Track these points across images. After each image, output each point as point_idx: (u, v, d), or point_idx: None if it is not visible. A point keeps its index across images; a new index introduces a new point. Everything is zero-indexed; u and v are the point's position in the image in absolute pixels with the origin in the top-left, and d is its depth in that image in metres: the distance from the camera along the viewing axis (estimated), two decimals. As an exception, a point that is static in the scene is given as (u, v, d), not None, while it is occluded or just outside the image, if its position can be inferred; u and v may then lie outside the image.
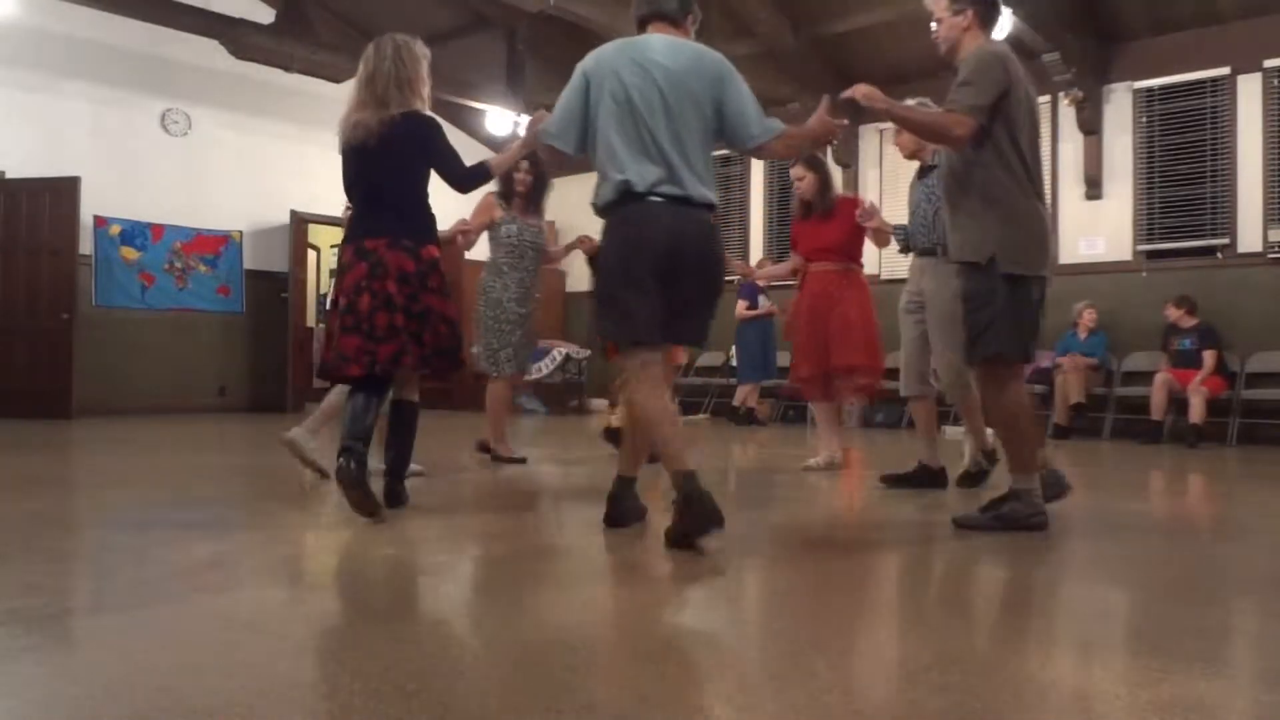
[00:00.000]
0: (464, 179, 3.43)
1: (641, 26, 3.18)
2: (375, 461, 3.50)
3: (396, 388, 3.48)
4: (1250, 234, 7.67)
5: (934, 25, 3.29)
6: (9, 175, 8.47)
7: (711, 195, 2.99)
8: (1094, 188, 8.40)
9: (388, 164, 3.41)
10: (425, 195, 3.47)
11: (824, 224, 4.91)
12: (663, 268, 2.88)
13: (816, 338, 4.83)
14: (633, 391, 2.99)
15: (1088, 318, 8.06)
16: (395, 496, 3.48)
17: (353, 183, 3.55)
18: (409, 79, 3.45)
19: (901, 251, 4.50)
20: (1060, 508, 3.53)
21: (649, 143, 2.89)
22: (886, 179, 9.61)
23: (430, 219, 3.48)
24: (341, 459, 3.13)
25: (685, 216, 2.91)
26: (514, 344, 5.02)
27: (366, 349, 3.25)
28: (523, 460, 5.10)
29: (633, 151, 2.89)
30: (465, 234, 4.81)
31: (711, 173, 3.00)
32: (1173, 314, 7.52)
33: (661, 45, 3.04)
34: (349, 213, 3.77)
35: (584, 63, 3.05)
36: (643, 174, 2.87)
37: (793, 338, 5.10)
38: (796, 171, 4.97)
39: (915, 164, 4.35)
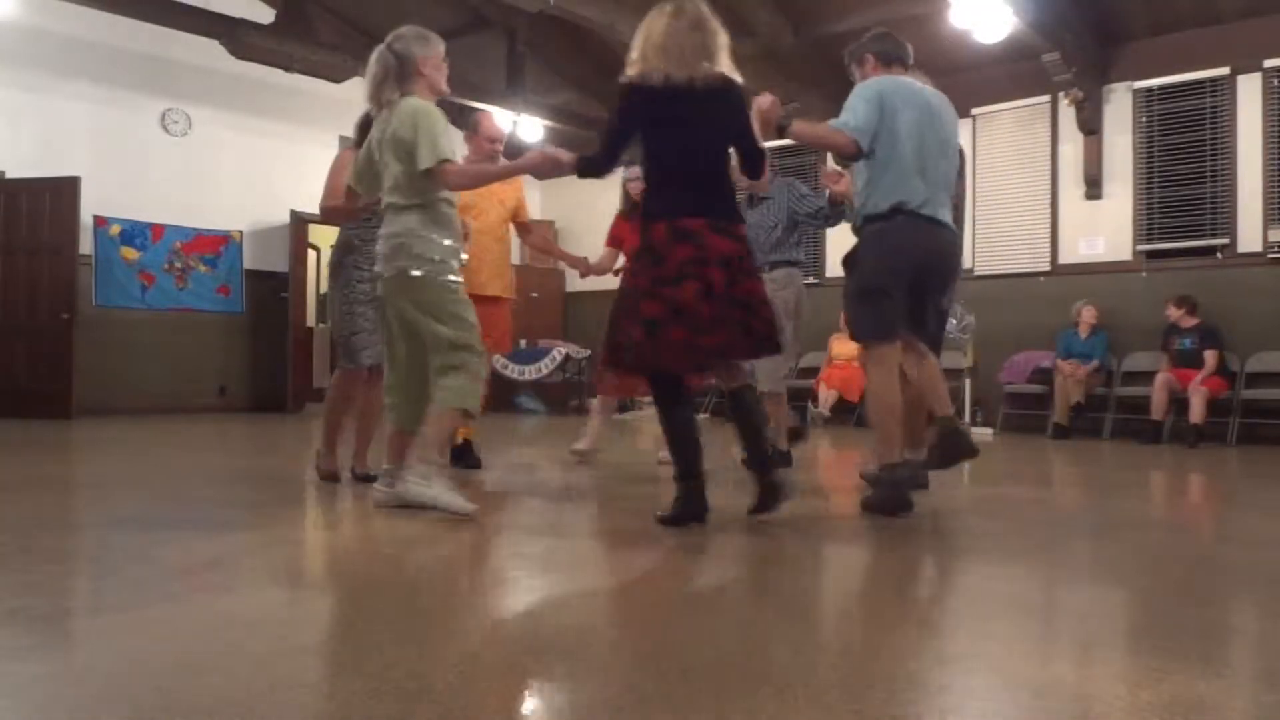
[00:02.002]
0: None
1: (890, 64, 3.70)
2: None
3: (726, 379, 3.27)
4: (1250, 234, 7.67)
5: None
6: (9, 175, 8.47)
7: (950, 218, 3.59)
8: (1094, 188, 8.40)
9: (706, 134, 3.17)
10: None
11: None
12: (915, 276, 3.44)
13: None
14: (872, 381, 3.50)
15: (1088, 315, 8.06)
16: (776, 492, 3.19)
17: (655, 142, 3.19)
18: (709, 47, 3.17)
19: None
20: (1060, 508, 3.53)
21: (922, 169, 3.45)
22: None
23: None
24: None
25: (938, 234, 3.50)
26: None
27: (693, 343, 3.04)
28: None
29: (912, 174, 3.44)
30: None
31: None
32: (1173, 314, 7.52)
33: (927, 89, 3.64)
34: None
35: (880, 86, 3.51)
36: (914, 194, 3.42)
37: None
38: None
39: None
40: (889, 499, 3.44)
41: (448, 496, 3.24)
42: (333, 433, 4.20)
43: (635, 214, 4.94)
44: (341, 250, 4.19)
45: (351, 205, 3.76)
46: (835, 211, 4.69)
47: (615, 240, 5.35)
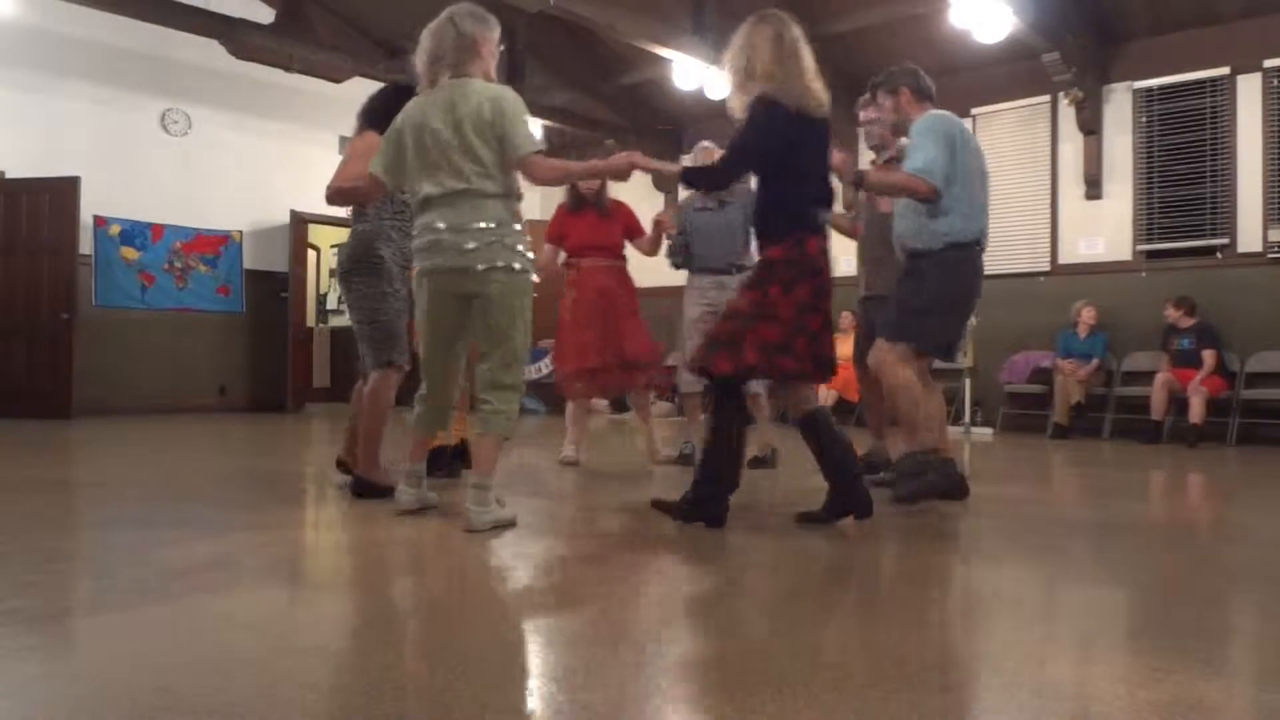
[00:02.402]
0: None
1: (923, 100, 3.85)
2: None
3: (803, 400, 3.31)
4: (1250, 234, 7.67)
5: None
6: (9, 175, 8.47)
7: None
8: (1094, 188, 8.39)
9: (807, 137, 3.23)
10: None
11: (603, 221, 5.18)
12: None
13: (606, 332, 5.02)
14: (900, 377, 3.65)
15: (1087, 316, 8.06)
16: (861, 501, 3.25)
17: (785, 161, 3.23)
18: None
19: (675, 266, 5.23)
20: (1060, 508, 3.53)
21: (984, 204, 3.77)
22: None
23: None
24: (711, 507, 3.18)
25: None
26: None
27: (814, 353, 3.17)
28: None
29: (982, 208, 3.74)
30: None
31: None
32: (1172, 314, 7.52)
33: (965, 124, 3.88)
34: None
35: (943, 126, 3.64)
36: (985, 228, 3.76)
37: (567, 334, 5.15)
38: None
39: None
40: (936, 484, 3.66)
41: (508, 513, 3.19)
42: (375, 443, 3.79)
43: (582, 209, 5.15)
44: (371, 241, 3.74)
45: (374, 189, 3.41)
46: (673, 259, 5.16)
47: (557, 237, 5.26)
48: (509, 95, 3.16)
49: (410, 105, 3.23)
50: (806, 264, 3.15)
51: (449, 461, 4.33)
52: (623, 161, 3.24)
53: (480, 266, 3.05)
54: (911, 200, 3.68)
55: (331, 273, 13.47)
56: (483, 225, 3.07)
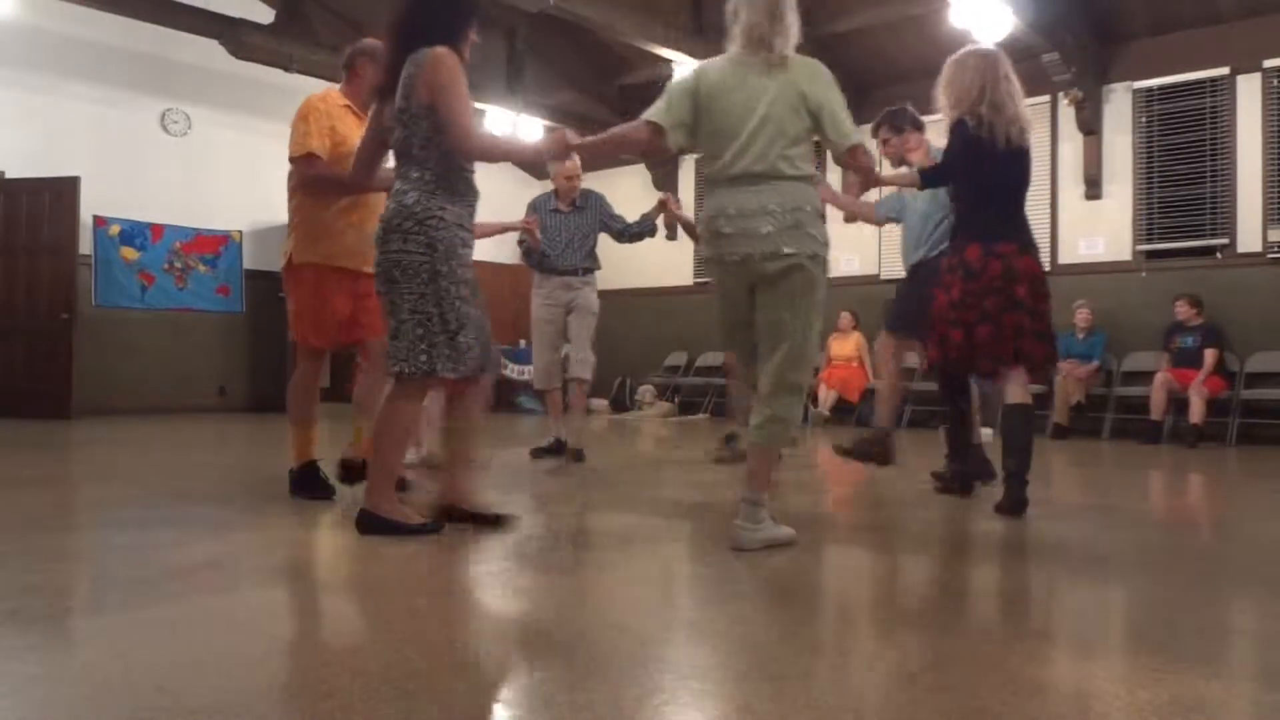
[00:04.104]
0: None
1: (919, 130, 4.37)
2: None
3: (1010, 391, 3.54)
4: (1250, 234, 7.67)
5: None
6: (9, 175, 8.46)
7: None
8: (1093, 188, 8.40)
9: (1021, 169, 3.59)
10: None
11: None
12: None
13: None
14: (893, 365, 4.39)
15: (1080, 318, 8.06)
16: (1017, 500, 3.50)
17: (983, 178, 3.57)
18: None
19: (536, 268, 5.38)
20: (1060, 508, 3.53)
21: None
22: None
23: None
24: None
25: None
26: None
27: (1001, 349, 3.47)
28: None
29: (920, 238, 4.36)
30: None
31: None
32: (1183, 312, 7.50)
33: None
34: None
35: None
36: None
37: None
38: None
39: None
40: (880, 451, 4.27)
41: (784, 532, 2.91)
42: (461, 459, 3.16)
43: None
44: (435, 226, 2.88)
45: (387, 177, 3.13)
46: (637, 231, 5.38)
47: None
48: (834, 80, 2.92)
49: (717, 64, 2.93)
50: (962, 267, 3.54)
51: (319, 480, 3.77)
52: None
53: (783, 247, 2.77)
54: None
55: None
56: (789, 204, 2.78)
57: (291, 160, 3.62)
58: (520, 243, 5.39)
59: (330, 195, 3.60)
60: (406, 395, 2.97)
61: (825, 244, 2.85)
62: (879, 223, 4.95)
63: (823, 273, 2.86)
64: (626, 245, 5.61)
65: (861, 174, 3.14)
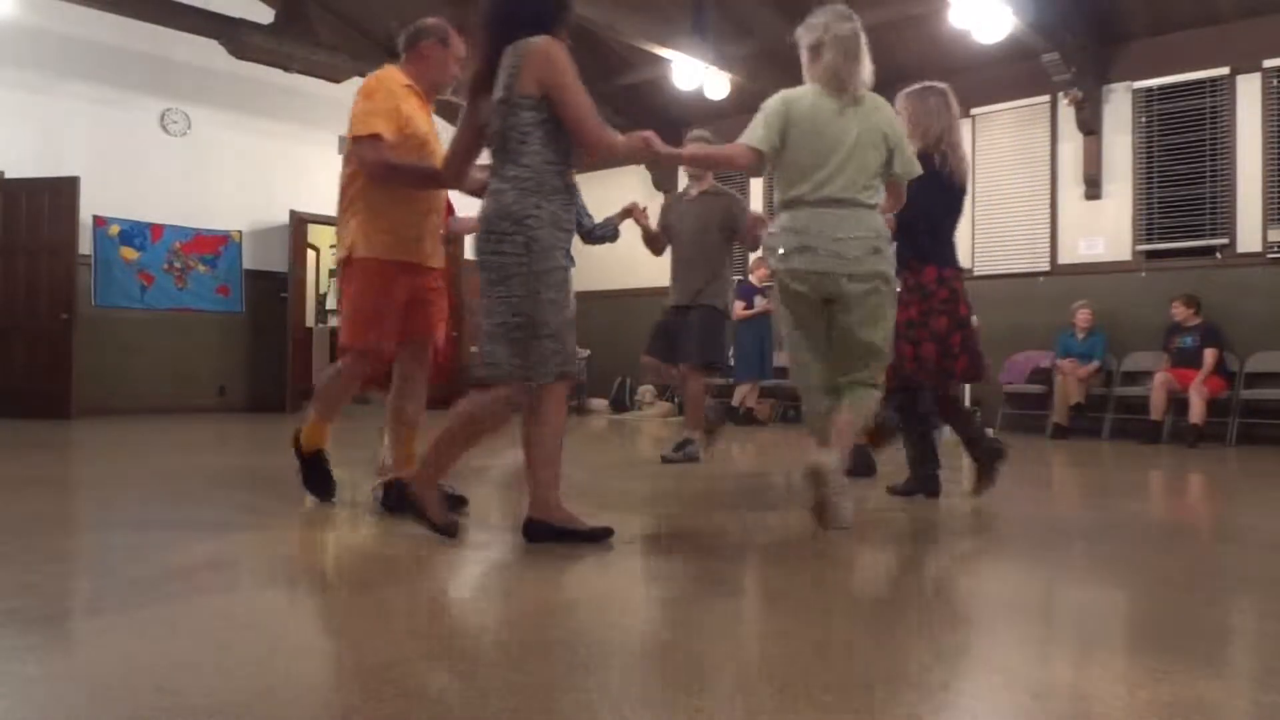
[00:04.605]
0: None
1: None
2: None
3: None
4: (1250, 234, 7.67)
5: None
6: (9, 175, 8.46)
7: None
8: (1093, 188, 8.40)
9: (961, 203, 3.93)
10: None
11: None
12: None
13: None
14: None
15: (1081, 318, 8.06)
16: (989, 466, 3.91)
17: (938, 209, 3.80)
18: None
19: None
20: (1060, 508, 3.53)
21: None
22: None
23: None
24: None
25: None
26: None
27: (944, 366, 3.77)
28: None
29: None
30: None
31: None
32: (1179, 312, 7.51)
33: None
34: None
35: None
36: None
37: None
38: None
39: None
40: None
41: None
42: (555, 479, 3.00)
43: None
44: (532, 226, 2.76)
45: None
46: (599, 235, 5.17)
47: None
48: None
49: (805, 96, 3.18)
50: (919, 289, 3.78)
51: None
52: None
53: (866, 267, 3.11)
54: None
55: (331, 273, 13.48)
56: (871, 231, 3.13)
57: (354, 140, 3.27)
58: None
59: (405, 185, 3.34)
60: (556, 399, 2.86)
61: (894, 267, 3.26)
62: None
63: (893, 292, 3.28)
64: (630, 246, 5.57)
65: (896, 199, 3.36)
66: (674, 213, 5.47)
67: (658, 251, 5.45)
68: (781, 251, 3.14)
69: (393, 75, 3.36)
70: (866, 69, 3.19)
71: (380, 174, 3.24)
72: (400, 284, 3.36)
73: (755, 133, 3.15)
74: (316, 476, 3.62)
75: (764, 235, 3.46)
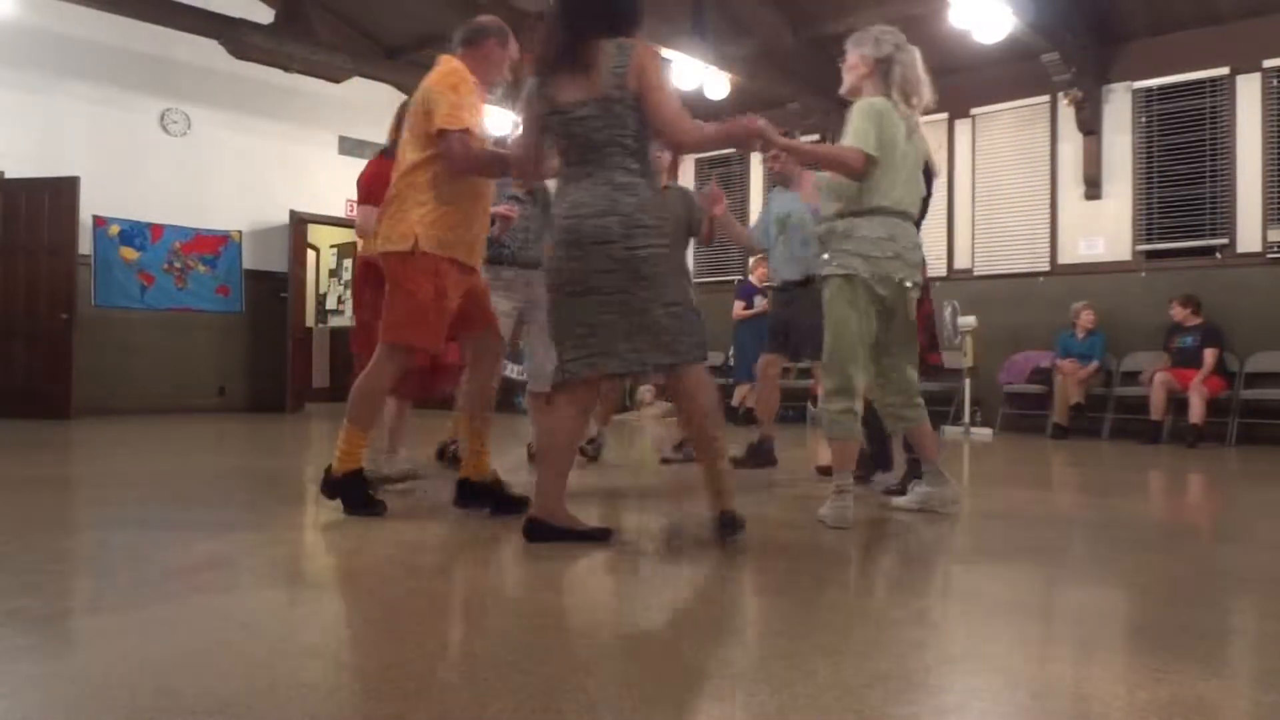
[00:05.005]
0: None
1: None
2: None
3: None
4: (1249, 234, 7.67)
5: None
6: (8, 175, 8.47)
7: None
8: (1093, 188, 8.40)
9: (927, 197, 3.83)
10: None
11: None
12: None
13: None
14: None
15: (1085, 319, 8.06)
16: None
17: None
18: None
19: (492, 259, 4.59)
20: (1059, 508, 3.53)
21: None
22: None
23: None
24: None
25: None
26: None
27: None
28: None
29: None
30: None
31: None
32: (1178, 313, 7.51)
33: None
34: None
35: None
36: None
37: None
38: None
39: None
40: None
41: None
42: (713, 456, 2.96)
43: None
44: (664, 218, 2.94)
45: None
46: None
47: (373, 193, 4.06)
48: None
49: (890, 109, 3.27)
50: None
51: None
52: None
53: (915, 280, 3.36)
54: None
55: (330, 273, 13.48)
56: (916, 241, 3.38)
57: (441, 132, 3.14)
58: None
59: (490, 176, 3.32)
60: (701, 378, 2.90)
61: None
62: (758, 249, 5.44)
63: None
64: None
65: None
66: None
67: (708, 242, 5.35)
68: (875, 255, 3.22)
69: (466, 69, 3.30)
70: (929, 93, 3.34)
71: (469, 168, 3.20)
72: (458, 284, 3.28)
73: (868, 138, 3.18)
74: (361, 497, 3.34)
75: (823, 235, 3.44)
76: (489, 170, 3.28)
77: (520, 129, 3.02)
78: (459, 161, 3.15)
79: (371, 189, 4.03)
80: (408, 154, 3.27)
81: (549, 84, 2.85)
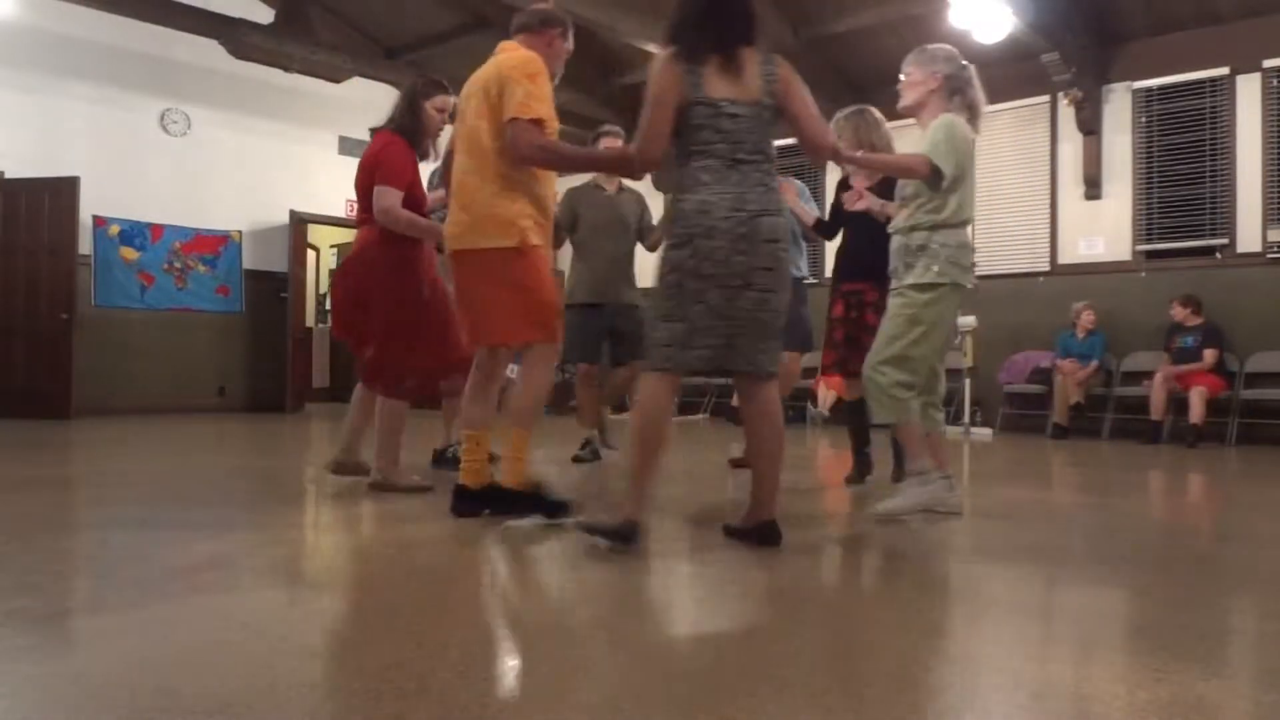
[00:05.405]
0: None
1: None
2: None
3: None
4: (1249, 234, 7.67)
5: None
6: (8, 175, 8.46)
7: None
8: (1093, 188, 8.40)
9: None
10: None
11: None
12: None
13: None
14: None
15: (1086, 319, 8.06)
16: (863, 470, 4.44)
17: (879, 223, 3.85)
18: None
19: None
20: (1059, 508, 3.53)
21: None
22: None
23: None
24: None
25: None
26: None
27: None
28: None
29: None
30: None
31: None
32: (1179, 313, 7.52)
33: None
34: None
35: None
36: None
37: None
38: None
39: None
40: None
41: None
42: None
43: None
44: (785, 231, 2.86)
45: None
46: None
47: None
48: None
49: (966, 128, 3.39)
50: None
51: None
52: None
53: (969, 284, 3.47)
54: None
55: (330, 272, 13.46)
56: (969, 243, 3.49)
57: (514, 121, 3.05)
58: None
59: (575, 170, 3.43)
60: (776, 389, 2.95)
61: None
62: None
63: None
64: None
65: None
66: (586, 203, 5.21)
67: (653, 248, 5.38)
68: (966, 264, 3.40)
69: (542, 60, 3.21)
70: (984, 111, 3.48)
71: (541, 159, 3.14)
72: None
73: (939, 152, 3.27)
74: (551, 502, 3.24)
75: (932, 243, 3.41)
76: (557, 165, 3.25)
77: (651, 115, 2.87)
78: (527, 150, 3.06)
79: (395, 170, 3.77)
80: (484, 140, 3.15)
81: (696, 74, 2.80)
